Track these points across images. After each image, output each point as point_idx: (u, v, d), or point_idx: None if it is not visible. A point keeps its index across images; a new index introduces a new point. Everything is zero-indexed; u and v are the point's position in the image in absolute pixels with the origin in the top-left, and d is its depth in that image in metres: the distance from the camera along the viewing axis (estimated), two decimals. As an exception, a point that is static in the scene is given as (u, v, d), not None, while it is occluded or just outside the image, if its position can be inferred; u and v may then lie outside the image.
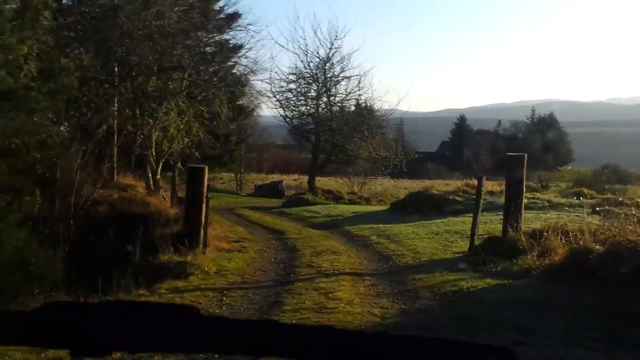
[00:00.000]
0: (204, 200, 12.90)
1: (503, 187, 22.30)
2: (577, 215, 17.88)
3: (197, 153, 21.36)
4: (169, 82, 20.33)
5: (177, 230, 13.64)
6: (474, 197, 20.74)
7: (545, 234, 11.04)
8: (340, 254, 13.37)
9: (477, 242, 12.39)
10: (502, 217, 17.90)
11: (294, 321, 7.56)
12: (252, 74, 24.31)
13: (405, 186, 53.38)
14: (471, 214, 19.40)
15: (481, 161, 62.43)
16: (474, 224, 12.49)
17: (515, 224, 11.92)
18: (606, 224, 10.44)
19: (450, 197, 20.90)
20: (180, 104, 19.61)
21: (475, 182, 21.54)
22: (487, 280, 9.21)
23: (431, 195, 21.53)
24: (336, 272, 11.12)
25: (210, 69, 20.80)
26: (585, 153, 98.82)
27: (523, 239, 11.39)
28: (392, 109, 30.59)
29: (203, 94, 20.80)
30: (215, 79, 20.83)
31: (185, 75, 20.21)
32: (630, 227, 8.24)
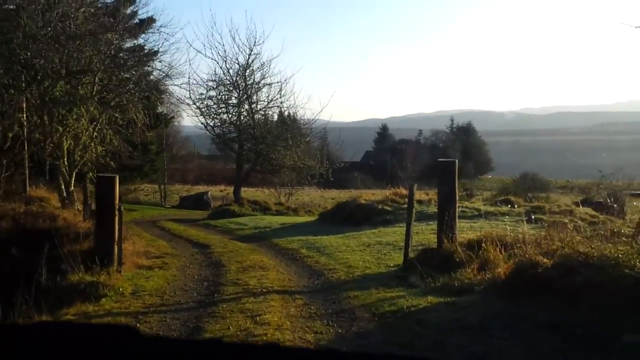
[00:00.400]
0: (117, 213, 11.71)
1: (431, 195, 21.89)
2: (507, 225, 17.49)
3: (112, 163, 19.99)
4: (79, 87, 18.95)
5: (88, 246, 12.40)
6: (404, 206, 20.21)
7: (483, 245, 10.39)
8: (268, 269, 12.41)
9: (411, 255, 11.67)
10: (433, 227, 17.42)
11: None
12: (167, 79, 23.02)
13: (333, 196, 53.00)
14: (402, 224, 18.84)
15: (407, 169, 62.43)
16: (408, 235, 11.75)
17: (450, 235, 11.26)
18: (547, 234, 9.84)
19: (379, 207, 20.24)
20: (92, 110, 18.25)
21: (403, 191, 21.03)
22: (428, 298, 8.43)
23: (360, 204, 20.83)
24: (264, 290, 10.18)
25: (123, 74, 19.48)
26: (503, 162, 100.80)
27: (460, 250, 10.72)
28: (315, 117, 29.85)
29: (117, 100, 19.47)
30: (129, 85, 19.54)
31: (96, 80, 18.87)
32: (578, 238, 7.60)
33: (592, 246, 6.95)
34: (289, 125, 29.92)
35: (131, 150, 21.53)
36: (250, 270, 12.32)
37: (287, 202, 33.86)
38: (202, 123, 29.10)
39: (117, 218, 11.74)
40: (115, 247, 11.66)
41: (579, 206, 20.90)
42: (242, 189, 49.65)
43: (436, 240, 12.22)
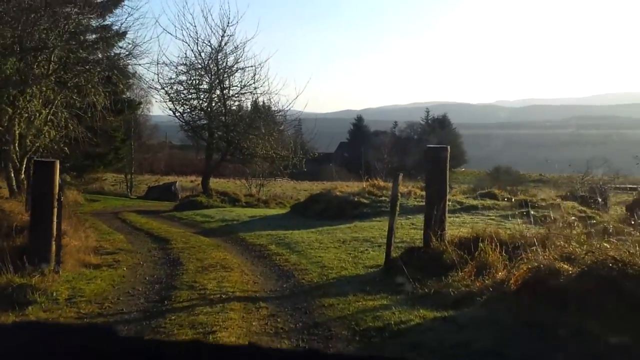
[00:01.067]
0: (56, 204, 10.03)
1: (410, 187, 20.42)
2: (493, 219, 16.12)
3: (66, 149, 18.18)
4: (34, 66, 17.11)
5: (22, 242, 10.67)
6: (382, 199, 18.73)
7: (480, 245, 8.92)
8: (231, 269, 10.83)
9: (394, 254, 10.15)
10: (415, 222, 15.97)
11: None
12: (131, 58, 21.15)
13: (306, 188, 51.44)
14: (379, 218, 17.39)
15: (384, 161, 60.54)
16: (391, 231, 10.22)
17: (439, 232, 9.76)
18: (549, 232, 8.41)
19: (355, 199, 18.72)
20: (46, 90, 16.43)
21: (381, 182, 19.54)
22: (420, 311, 6.94)
23: (334, 197, 19.30)
24: (224, 296, 8.60)
25: (83, 52, 17.64)
26: (476, 155, 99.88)
27: (450, 250, 9.25)
28: (290, 104, 28.09)
29: (75, 80, 17.66)
30: (87, 65, 17.74)
31: (53, 58, 17.05)
32: (607, 245, 6.10)
33: (630, 251, 5.46)
34: (262, 112, 28.15)
35: (91, 137, 19.62)
36: (210, 270, 10.73)
37: (258, 194, 32.17)
38: (170, 109, 27.36)
39: (56, 210, 10.05)
40: (54, 243, 9.98)
41: (564, 200, 19.57)
42: (214, 179, 47.77)
43: (421, 237, 10.77)
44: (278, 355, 1.45)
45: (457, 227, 14.26)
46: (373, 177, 24.46)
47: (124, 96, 29.38)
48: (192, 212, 23.51)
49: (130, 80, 28.97)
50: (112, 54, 19.25)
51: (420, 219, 16.49)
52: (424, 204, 19.16)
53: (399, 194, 19.69)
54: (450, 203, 18.02)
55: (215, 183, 41.04)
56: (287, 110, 28.40)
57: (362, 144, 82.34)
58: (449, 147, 10.47)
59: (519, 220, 11.69)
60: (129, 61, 21.96)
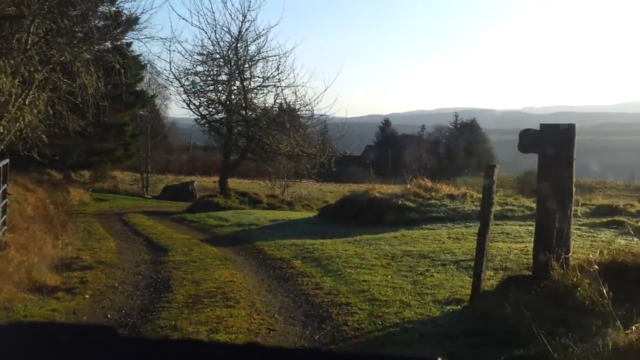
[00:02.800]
0: None
1: (465, 190, 16.67)
2: (578, 229, 12.34)
3: (45, 138, 14.65)
4: (13, 40, 13.62)
5: None
6: (431, 202, 15.03)
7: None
8: (237, 301, 7.24)
9: (485, 286, 6.48)
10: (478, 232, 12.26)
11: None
12: (129, 31, 17.49)
13: (332, 190, 47.80)
14: (430, 225, 13.64)
15: (422, 160, 55.37)
16: (482, 252, 6.50)
17: (562, 254, 6.04)
18: None
19: (399, 202, 15.00)
20: (14, 61, 12.89)
21: (428, 183, 15.86)
22: None
23: (372, 199, 15.60)
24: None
25: (67, 22, 14.04)
26: (503, 159, 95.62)
27: (585, 284, 5.55)
28: (318, 97, 24.28)
29: (62, 58, 14.15)
30: (75, 40, 14.21)
31: (32, 29, 13.56)
32: None
33: None
34: (286, 106, 24.43)
35: (84, 126, 16.02)
36: (206, 302, 7.16)
37: (282, 195, 28.50)
38: (184, 101, 23.81)
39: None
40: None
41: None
42: (236, 180, 44.21)
43: (514, 259, 7.10)
44: (278, 354, 1.26)
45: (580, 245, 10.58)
46: (413, 178, 20.60)
47: (137, 89, 26.00)
48: (206, 215, 19.98)
49: (142, 72, 25.55)
50: (102, 25, 15.57)
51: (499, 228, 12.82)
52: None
53: (446, 196, 16.04)
54: (516, 207, 14.34)
55: (237, 184, 37.54)
56: (315, 104, 24.76)
57: (390, 147, 78.58)
58: (575, 125, 6.71)
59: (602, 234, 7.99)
60: (128, 37, 18.31)
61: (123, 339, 1.32)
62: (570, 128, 6.49)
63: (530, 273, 6.44)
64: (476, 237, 11.33)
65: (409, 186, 16.26)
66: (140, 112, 27.43)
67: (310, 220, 17.05)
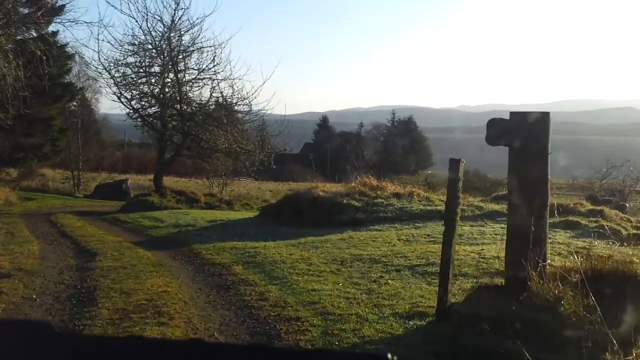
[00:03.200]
0: None
1: (410, 188, 16.08)
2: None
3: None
4: None
5: None
6: (377, 201, 14.35)
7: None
8: (171, 316, 6.33)
9: (453, 298, 5.79)
10: (429, 234, 11.61)
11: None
12: (52, 14, 16.12)
13: (271, 188, 46.94)
14: (378, 226, 12.94)
15: (362, 158, 54.20)
16: (448, 261, 5.77)
17: (539, 261, 5.38)
18: None
19: (344, 201, 14.27)
20: None
21: (373, 181, 15.19)
22: None
23: (316, 198, 14.80)
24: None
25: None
26: (438, 157, 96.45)
27: (569, 297, 4.93)
28: (256, 91, 23.31)
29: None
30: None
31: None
32: None
33: None
34: (223, 100, 23.30)
35: (3, 118, 14.66)
36: (135, 319, 6.22)
37: (220, 194, 27.38)
38: (114, 93, 22.45)
39: None
40: None
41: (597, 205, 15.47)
42: (174, 179, 42.67)
43: (472, 262, 6.46)
44: (222, 350, 1.25)
45: (496, 243, 10.02)
46: (346, 178, 19.77)
47: (64, 81, 24.48)
48: (140, 215, 18.81)
49: (70, 63, 24.04)
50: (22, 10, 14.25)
51: (436, 228, 12.18)
52: (432, 208, 14.90)
53: (392, 195, 15.38)
54: (467, 207, 13.82)
55: (174, 182, 36.20)
56: (253, 99, 23.77)
57: (328, 144, 78.12)
58: (549, 114, 6.07)
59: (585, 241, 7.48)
60: (48, 21, 16.98)
61: (61, 335, 1.35)
62: (543, 118, 5.83)
63: (502, 282, 5.74)
64: (428, 240, 10.70)
65: (354, 184, 15.54)
66: (70, 106, 25.74)
67: (250, 221, 16.13)
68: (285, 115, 25.66)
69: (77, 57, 28.12)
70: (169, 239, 13.77)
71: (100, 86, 33.31)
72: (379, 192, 14.81)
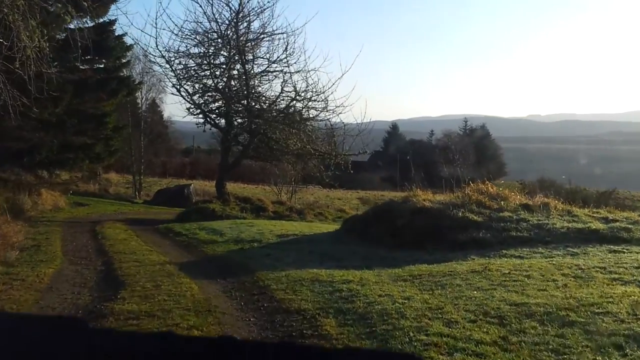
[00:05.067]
0: None
1: (543, 198, 12.12)
2: None
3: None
4: None
5: None
6: (501, 214, 10.48)
7: None
8: None
9: None
10: (606, 267, 7.68)
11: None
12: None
13: (339, 196, 43.37)
14: (512, 250, 9.18)
15: (455, 163, 47.71)
16: None
17: None
18: None
19: (460, 215, 10.43)
20: None
21: (490, 187, 11.29)
22: None
23: (419, 209, 11.00)
24: None
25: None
26: (511, 167, 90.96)
27: None
28: (334, 84, 19.72)
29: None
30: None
31: None
32: None
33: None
34: (296, 97, 19.69)
35: (27, 103, 11.34)
36: None
37: (290, 202, 23.80)
38: (174, 85, 19.18)
39: None
40: None
41: None
42: (240, 185, 39.25)
43: None
44: (252, 347, 1.19)
45: None
46: (417, 187, 15.51)
47: (121, 74, 21.42)
48: (197, 225, 15.48)
49: (127, 54, 21.00)
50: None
51: (605, 257, 8.25)
52: (581, 225, 10.85)
53: (522, 207, 11.37)
54: (621, 223, 9.76)
55: (240, 189, 32.94)
56: (330, 94, 20.18)
57: (398, 152, 74.11)
58: None
59: None
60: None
61: (95, 331, 1.24)
62: None
63: None
64: (610, 277, 6.79)
65: (468, 191, 11.64)
66: (126, 101, 22.77)
67: (330, 237, 12.44)
68: (347, 124, 21.76)
69: (140, 53, 25.25)
70: (226, 260, 10.31)
71: (163, 84, 30.36)
72: (502, 203, 10.92)
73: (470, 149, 78.73)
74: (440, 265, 8.10)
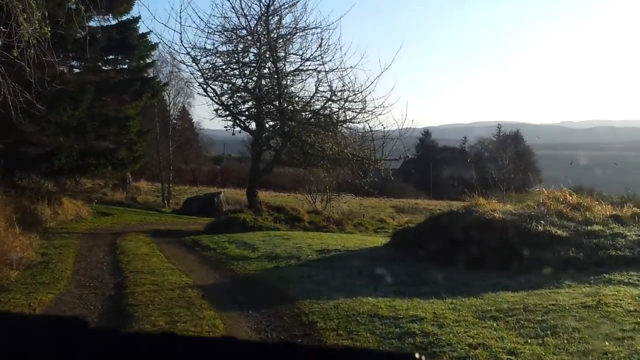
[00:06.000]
0: None
1: (634, 208, 10.14)
2: None
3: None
4: None
5: None
6: (591, 228, 8.56)
7: None
8: None
9: None
10: None
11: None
12: None
13: (373, 205, 41.55)
14: (617, 274, 7.05)
15: (503, 169, 44.06)
16: None
17: None
18: None
19: (540, 229, 8.50)
20: None
21: (568, 195, 9.36)
22: None
23: (488, 221, 9.09)
24: None
25: None
26: (545, 175, 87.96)
27: None
28: (373, 83, 17.83)
29: None
30: None
31: None
32: None
33: None
34: (332, 97, 17.86)
35: (29, 98, 9.71)
36: None
37: (326, 211, 21.94)
38: (200, 85, 17.54)
39: None
40: None
41: None
42: (272, 194, 37.44)
43: None
44: (251, 347, 1.15)
45: None
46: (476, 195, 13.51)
47: (144, 75, 19.85)
48: (227, 238, 13.79)
49: (151, 54, 19.43)
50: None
51: None
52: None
53: (610, 217, 9.20)
54: None
55: (272, 197, 31.28)
56: (368, 93, 18.36)
57: (431, 159, 71.97)
58: None
59: None
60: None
61: (96, 331, 1.11)
62: None
63: None
64: None
65: (543, 198, 9.70)
66: (151, 103, 21.19)
67: (380, 253, 10.57)
68: (406, 114, 19.78)
69: (167, 55, 23.67)
70: (260, 282, 8.58)
71: (191, 89, 28.83)
72: (587, 214, 8.99)
73: (505, 155, 76.39)
74: (532, 295, 6.24)
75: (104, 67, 19.19)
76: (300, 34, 17.93)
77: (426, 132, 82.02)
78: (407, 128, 19.19)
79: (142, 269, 9.74)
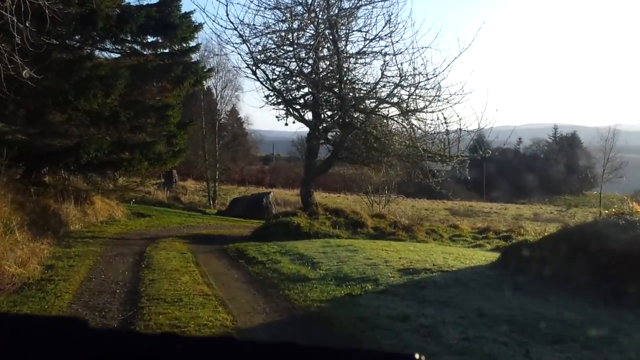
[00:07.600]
0: None
1: None
2: None
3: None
4: None
5: None
6: None
7: None
8: None
9: None
10: None
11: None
12: None
13: (426, 207, 38.55)
14: None
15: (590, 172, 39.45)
16: None
17: None
18: None
19: None
20: None
21: None
22: None
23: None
24: None
25: None
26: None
27: None
28: (448, 66, 14.81)
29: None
30: None
31: None
32: None
33: None
34: (401, 81, 14.79)
35: (20, 62, 7.04)
36: None
37: (390, 214, 18.81)
38: (248, 66, 14.63)
39: None
40: None
41: None
42: (321, 194, 34.26)
43: None
44: (255, 347, 1.11)
45: None
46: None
47: (186, 59, 17.10)
48: (279, 247, 10.94)
49: (195, 35, 16.60)
50: None
51: None
52: None
53: None
54: None
55: (322, 198, 28.30)
56: (442, 79, 15.32)
57: (484, 161, 68.01)
58: None
59: None
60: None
61: (96, 331, 1.12)
62: None
63: None
64: None
65: None
66: (194, 91, 18.42)
67: (491, 277, 7.39)
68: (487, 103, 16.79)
69: (215, 45, 20.91)
70: (329, 323, 5.66)
71: (240, 81, 26.12)
72: None
73: (562, 158, 71.88)
74: None
75: (142, 51, 16.63)
76: (365, 7, 14.94)
77: (480, 134, 78.27)
78: (486, 120, 16.13)
79: (165, 295, 6.94)
